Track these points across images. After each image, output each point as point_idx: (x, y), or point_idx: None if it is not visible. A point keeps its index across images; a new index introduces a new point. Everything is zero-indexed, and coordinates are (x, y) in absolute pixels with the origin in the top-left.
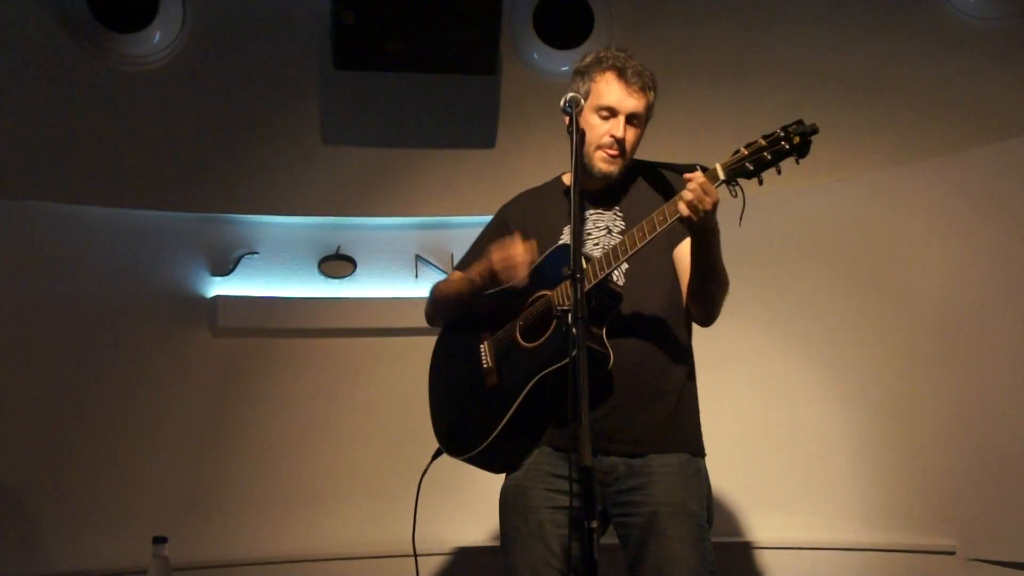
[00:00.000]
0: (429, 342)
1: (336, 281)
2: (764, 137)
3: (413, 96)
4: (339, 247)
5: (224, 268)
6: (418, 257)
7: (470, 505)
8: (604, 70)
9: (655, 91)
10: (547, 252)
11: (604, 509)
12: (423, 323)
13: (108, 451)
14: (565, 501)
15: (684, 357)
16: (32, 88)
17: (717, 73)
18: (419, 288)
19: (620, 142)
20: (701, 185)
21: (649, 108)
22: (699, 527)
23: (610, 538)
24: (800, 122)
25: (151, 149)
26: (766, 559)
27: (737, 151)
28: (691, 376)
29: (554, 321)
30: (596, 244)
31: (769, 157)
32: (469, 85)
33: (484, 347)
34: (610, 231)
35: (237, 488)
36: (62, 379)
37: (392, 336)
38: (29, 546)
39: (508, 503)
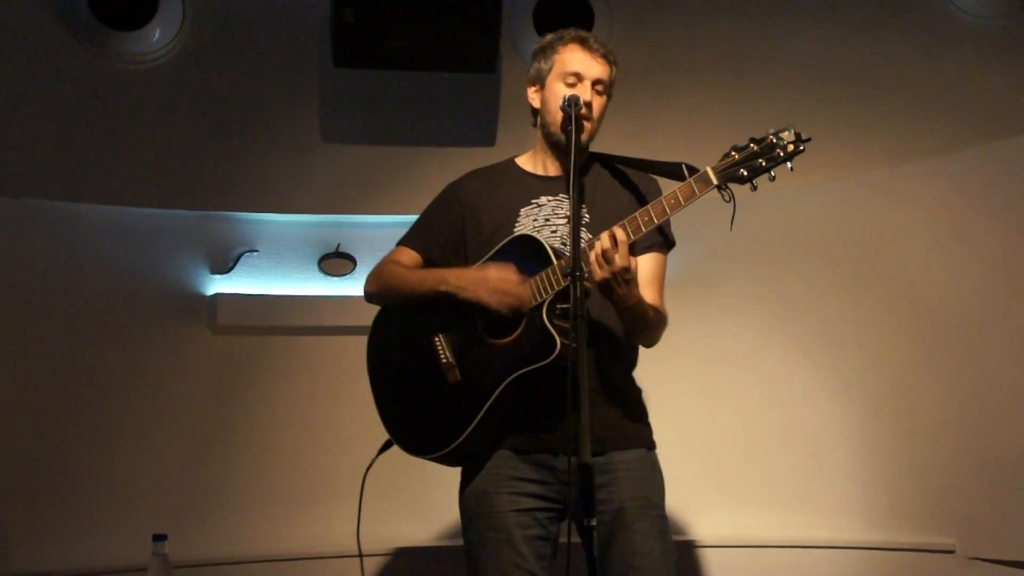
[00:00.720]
0: None
1: (336, 279)
2: (756, 142)
3: (413, 94)
4: (339, 245)
5: (224, 266)
6: None
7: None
8: (566, 42)
9: (616, 67)
10: (504, 242)
11: (565, 508)
12: None
13: (107, 448)
14: (530, 504)
15: (632, 353)
16: (31, 86)
17: (717, 71)
18: None
19: (588, 105)
20: (604, 250)
21: (613, 80)
22: (661, 519)
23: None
24: (791, 128)
25: (150, 147)
26: (766, 557)
27: (728, 154)
28: (633, 370)
29: (524, 317)
30: (554, 232)
31: (763, 164)
32: (469, 83)
33: (439, 341)
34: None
35: (237, 486)
36: (61, 376)
37: None
38: (28, 544)
39: (472, 509)
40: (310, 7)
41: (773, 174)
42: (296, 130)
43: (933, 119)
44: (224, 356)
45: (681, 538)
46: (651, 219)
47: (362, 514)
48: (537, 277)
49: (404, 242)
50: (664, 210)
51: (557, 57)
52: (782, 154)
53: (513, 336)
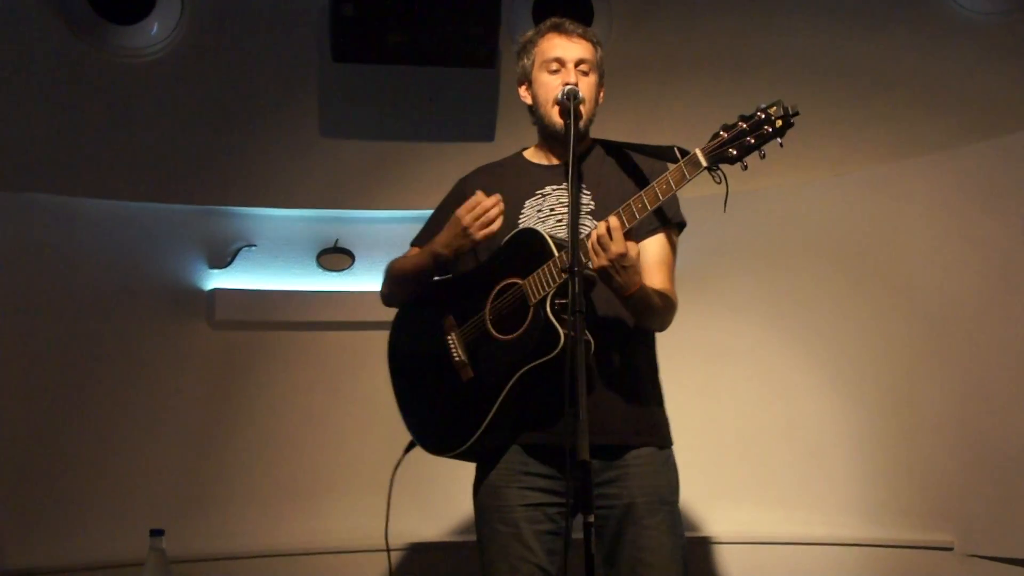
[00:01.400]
0: None
1: (334, 274)
2: (744, 119)
3: (412, 89)
4: (337, 240)
5: (222, 261)
6: None
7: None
8: (543, 33)
9: (601, 46)
10: (508, 236)
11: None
12: None
13: (105, 443)
14: (539, 499)
15: (648, 348)
16: (29, 80)
17: (716, 67)
18: None
19: (575, 87)
20: (599, 237)
21: (598, 59)
22: (672, 514)
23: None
24: (779, 102)
25: (148, 141)
26: (764, 553)
27: (717, 134)
28: (655, 366)
29: (530, 312)
30: (559, 221)
31: (752, 141)
32: (468, 78)
33: (452, 339)
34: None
35: (235, 481)
36: (59, 371)
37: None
38: (26, 539)
39: (483, 504)
40: (309, 1)
41: (763, 152)
42: (295, 125)
43: (933, 115)
44: (222, 351)
45: None
46: (644, 205)
47: (375, 510)
48: (540, 271)
49: (414, 242)
50: (657, 196)
51: (537, 49)
52: (770, 130)
53: (520, 331)
